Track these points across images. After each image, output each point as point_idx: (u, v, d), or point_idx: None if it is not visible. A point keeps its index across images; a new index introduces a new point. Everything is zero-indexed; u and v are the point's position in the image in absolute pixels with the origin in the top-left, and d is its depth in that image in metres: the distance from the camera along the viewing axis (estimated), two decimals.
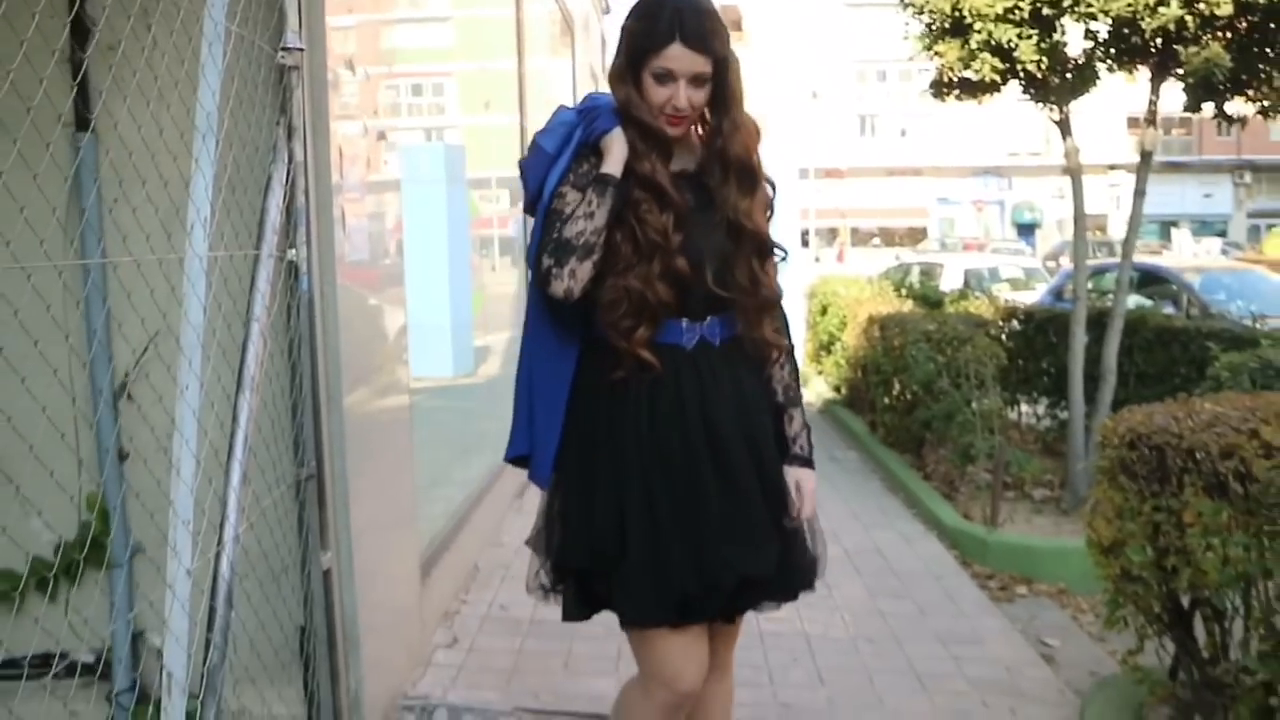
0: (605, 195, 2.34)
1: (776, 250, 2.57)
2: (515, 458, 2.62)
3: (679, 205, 2.40)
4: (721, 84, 2.39)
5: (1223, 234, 48.14)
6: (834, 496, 7.30)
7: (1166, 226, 47.33)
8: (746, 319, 2.50)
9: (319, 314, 3.10)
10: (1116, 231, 46.73)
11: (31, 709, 2.95)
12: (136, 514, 3.14)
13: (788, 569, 2.53)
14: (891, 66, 48.36)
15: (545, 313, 2.48)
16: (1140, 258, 20.19)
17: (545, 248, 2.37)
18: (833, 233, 52.69)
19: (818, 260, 43.36)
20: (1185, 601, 3.38)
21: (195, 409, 2.38)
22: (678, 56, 2.32)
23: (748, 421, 2.49)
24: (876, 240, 52.63)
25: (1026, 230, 50.58)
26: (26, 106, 2.08)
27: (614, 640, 4.33)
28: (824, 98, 50.99)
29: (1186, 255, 29.51)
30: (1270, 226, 37.71)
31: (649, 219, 2.38)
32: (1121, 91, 8.20)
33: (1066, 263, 18.11)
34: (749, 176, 2.48)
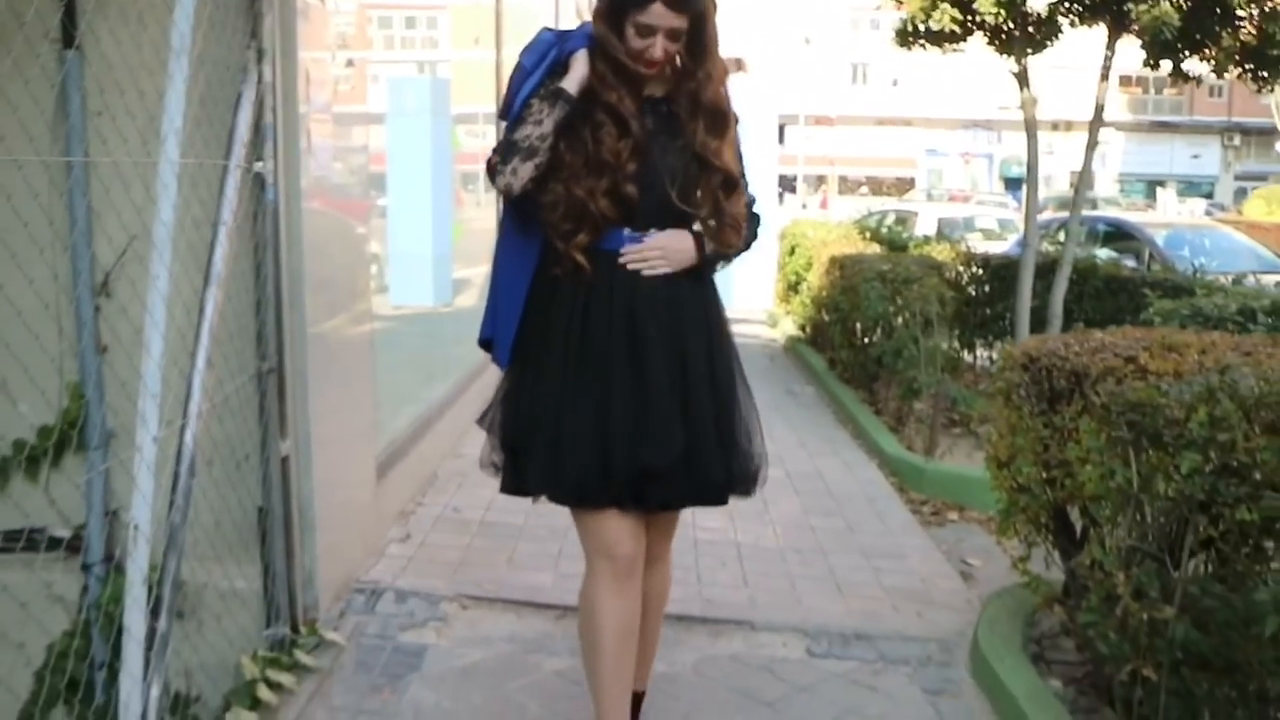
0: (555, 106, 2.63)
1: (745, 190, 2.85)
2: (482, 341, 2.91)
3: (638, 135, 2.67)
4: (698, 35, 2.66)
5: (1209, 195, 48.41)
6: (785, 427, 7.64)
7: (1153, 186, 47.60)
8: (711, 234, 2.78)
9: (283, 222, 3.40)
10: (1101, 188, 47.01)
11: (11, 577, 3.27)
12: (113, 403, 3.44)
13: (702, 469, 2.75)
14: (884, 15, 48.23)
15: (511, 210, 2.78)
16: (1113, 212, 20.46)
17: (497, 147, 2.68)
18: (821, 180, 52.80)
19: (804, 207, 43.52)
20: (1072, 511, 3.72)
21: (164, 296, 2.67)
22: (659, 14, 2.58)
23: (677, 329, 2.75)
24: (864, 189, 52.75)
25: (1014, 184, 50.73)
26: (20, 23, 2.36)
27: (556, 540, 4.71)
28: (816, 44, 50.90)
29: (1170, 215, 29.80)
30: (1255, 188, 37.88)
31: (606, 140, 2.65)
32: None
33: (1051, 214, 18.40)
34: (721, 120, 2.74)
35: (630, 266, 2.70)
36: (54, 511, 3.41)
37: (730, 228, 2.79)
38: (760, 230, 2.97)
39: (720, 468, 2.79)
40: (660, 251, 2.72)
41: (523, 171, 2.64)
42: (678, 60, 2.72)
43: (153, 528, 2.68)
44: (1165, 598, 2.86)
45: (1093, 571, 3.10)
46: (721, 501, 2.89)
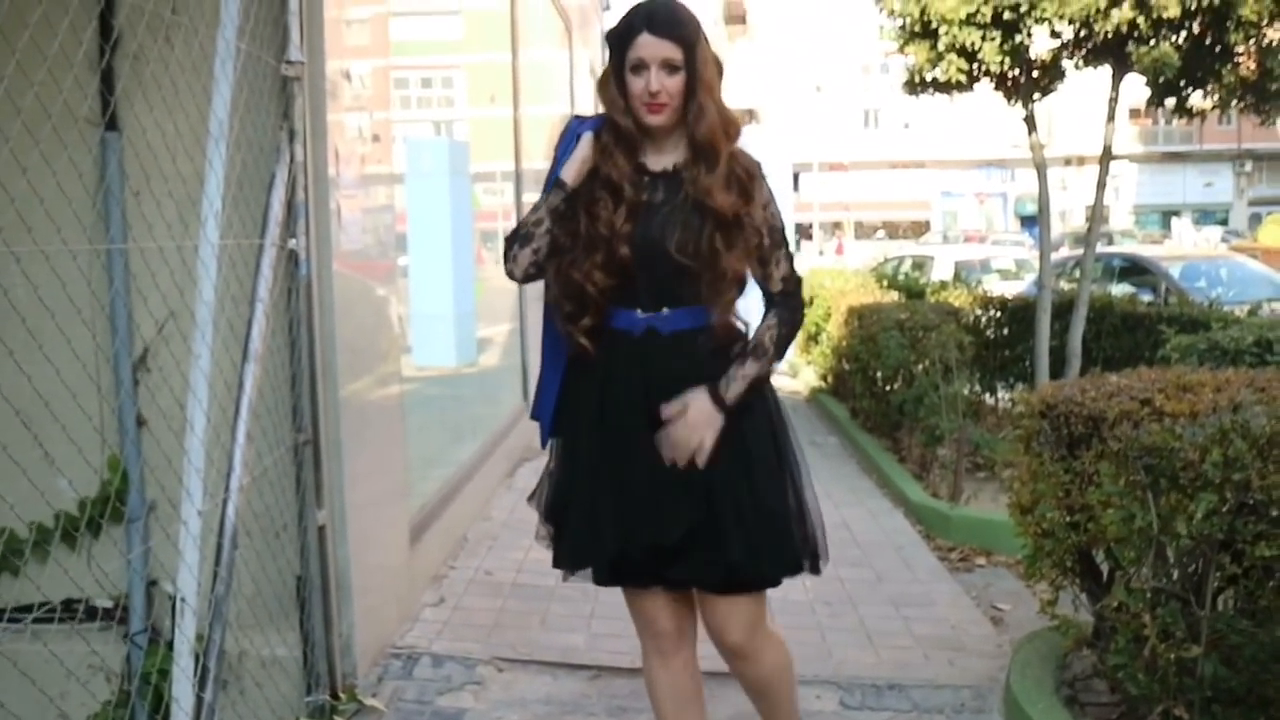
0: (550, 192, 2.69)
1: (757, 232, 2.67)
2: (531, 418, 2.91)
3: (631, 199, 2.64)
4: (691, 70, 2.61)
5: (1224, 222, 48.42)
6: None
7: (1168, 216, 47.62)
8: (709, 294, 2.63)
9: (316, 297, 3.50)
10: (1117, 220, 47.07)
11: (58, 648, 3.35)
12: (152, 475, 3.54)
13: (718, 548, 2.63)
14: (894, 60, 48.62)
15: (546, 293, 2.80)
16: (1128, 248, 20.52)
17: (509, 233, 2.73)
18: (836, 226, 53.00)
19: (821, 254, 43.67)
20: (1097, 554, 3.76)
21: (206, 375, 2.78)
22: (647, 44, 2.57)
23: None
24: (881, 233, 52.89)
25: (1030, 222, 50.81)
26: (63, 104, 2.48)
27: (588, 601, 4.76)
28: (828, 91, 51.29)
29: (1187, 244, 29.80)
30: (1270, 214, 37.88)
31: (601, 214, 2.63)
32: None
33: (1065, 252, 18.45)
34: (711, 157, 2.62)
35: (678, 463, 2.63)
36: (95, 582, 3.50)
37: (730, 283, 2.65)
38: (799, 291, 2.80)
39: (739, 546, 2.64)
40: (684, 437, 2.61)
41: (521, 258, 2.68)
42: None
43: (197, 599, 2.76)
44: (1192, 636, 2.90)
45: (1119, 613, 3.15)
46: (766, 583, 2.78)
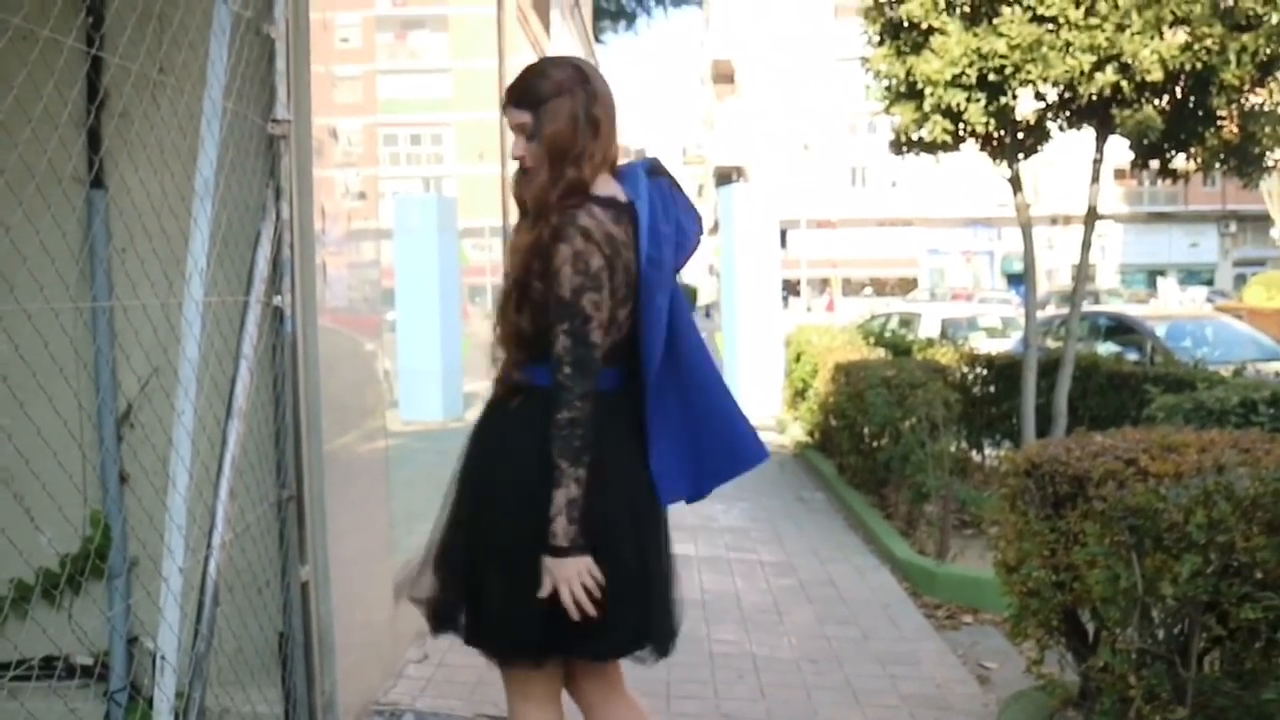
0: None
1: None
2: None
3: (508, 271, 2.62)
4: (537, 132, 2.54)
5: (1210, 282, 48.85)
6: (797, 534, 7.69)
7: (1154, 275, 48.06)
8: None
9: (300, 354, 3.50)
10: (1103, 279, 47.39)
11: (37, 706, 3.32)
12: (134, 531, 3.52)
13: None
14: (881, 119, 49.10)
15: None
16: (1114, 307, 20.65)
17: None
18: (824, 283, 53.28)
19: (809, 309, 43.84)
20: (1083, 613, 3.76)
21: (190, 431, 2.77)
22: (508, 115, 2.59)
23: (471, 460, 2.72)
24: (868, 290, 53.23)
25: (1016, 280, 51.17)
26: (29, 168, 2.49)
27: None
28: (815, 149, 51.77)
29: (1172, 304, 30.04)
30: (1255, 274, 38.20)
31: None
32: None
33: (1051, 310, 18.57)
34: (534, 217, 2.55)
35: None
36: (75, 638, 3.47)
37: (510, 342, 2.59)
38: (573, 375, 2.44)
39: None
40: (566, 601, 2.44)
41: None
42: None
43: (178, 656, 2.74)
44: (1177, 698, 2.90)
45: (1105, 674, 3.14)
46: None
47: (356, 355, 4.34)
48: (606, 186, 2.57)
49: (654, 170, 2.68)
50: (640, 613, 2.61)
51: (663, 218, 2.60)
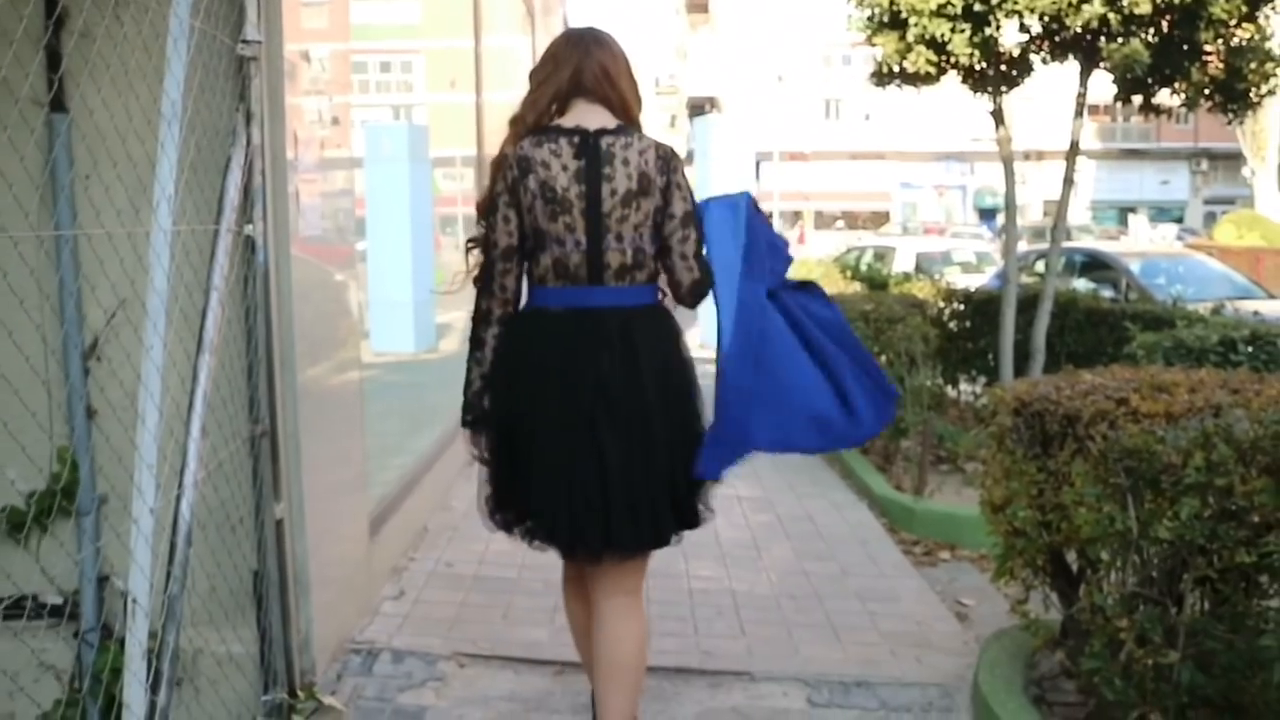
0: None
1: None
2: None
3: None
4: None
5: (1180, 220, 48.98)
6: (773, 469, 7.63)
7: (1125, 212, 48.12)
8: None
9: (273, 285, 3.39)
10: (1074, 216, 47.42)
11: (6, 646, 3.24)
12: (103, 467, 3.42)
13: None
14: (856, 51, 48.70)
15: None
16: (1087, 243, 20.65)
17: None
18: (797, 215, 53.08)
19: None
20: (1068, 554, 3.72)
21: (159, 366, 2.66)
22: None
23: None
24: (840, 223, 53.05)
25: (988, 215, 51.14)
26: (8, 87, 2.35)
27: (551, 594, 4.68)
28: (789, 81, 51.31)
29: (1143, 241, 30.06)
30: (1225, 212, 38.33)
31: None
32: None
33: (1024, 246, 18.51)
34: None
35: None
36: (45, 578, 3.38)
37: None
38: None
39: None
40: None
41: None
42: None
43: (149, 598, 2.65)
44: (1169, 642, 2.86)
45: (1093, 616, 3.10)
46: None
47: (330, 286, 4.23)
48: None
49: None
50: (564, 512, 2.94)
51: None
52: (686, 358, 3.13)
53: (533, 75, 3.09)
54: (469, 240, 3.11)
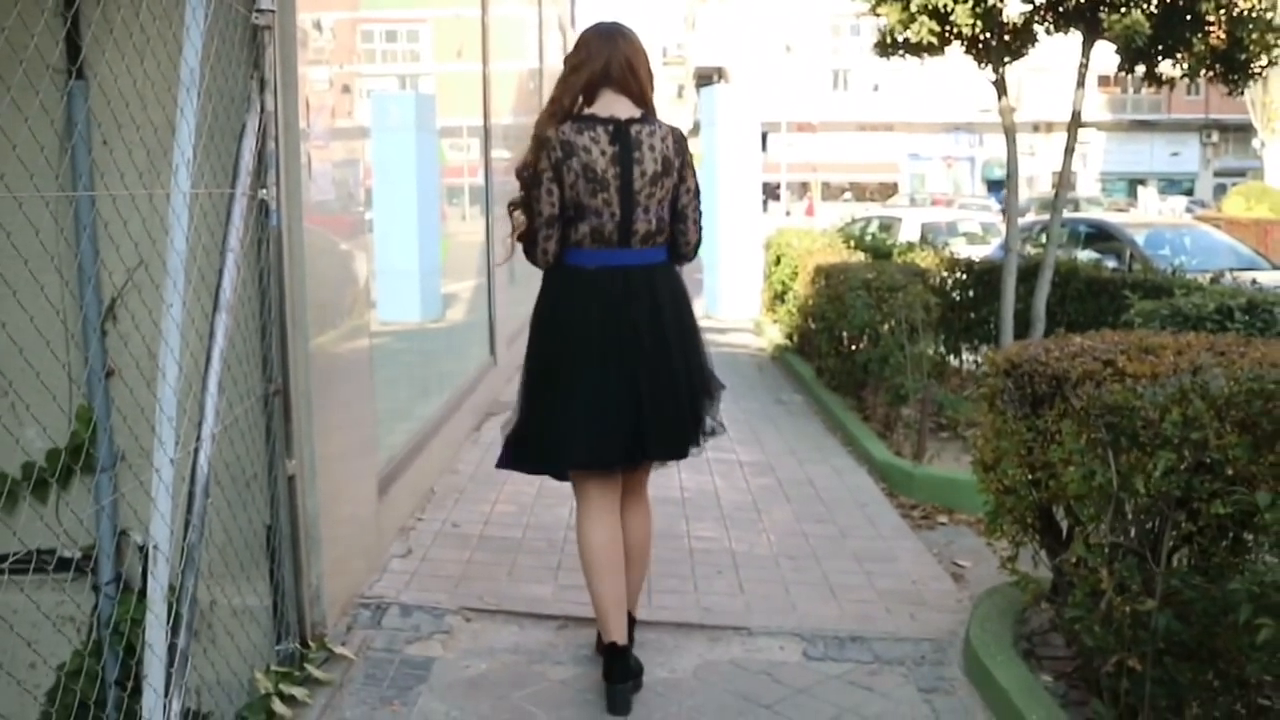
0: None
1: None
2: None
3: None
4: None
5: (1189, 192, 48.86)
6: (775, 436, 7.76)
7: (1134, 184, 47.96)
8: None
9: (286, 247, 3.50)
10: (1083, 188, 47.35)
11: (21, 599, 3.35)
12: (120, 425, 3.53)
13: None
14: (864, 21, 48.50)
15: None
16: (1095, 214, 20.66)
17: None
18: (804, 186, 53.04)
19: (788, 214, 43.70)
20: (1057, 511, 3.84)
21: (178, 323, 2.77)
22: None
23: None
24: (848, 195, 52.98)
25: (997, 186, 51.04)
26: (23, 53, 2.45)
27: (554, 553, 4.82)
28: (797, 52, 51.17)
29: (1152, 212, 30.01)
30: (1235, 184, 38.26)
31: None
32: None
33: (1032, 217, 18.55)
34: None
35: None
36: (63, 533, 3.50)
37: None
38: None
39: None
40: None
41: None
42: None
43: (170, 547, 2.77)
44: (1147, 591, 2.97)
45: (1078, 568, 3.22)
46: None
47: (340, 253, 4.34)
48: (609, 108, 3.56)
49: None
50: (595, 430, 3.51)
51: None
52: (691, 305, 3.80)
53: (567, 60, 3.64)
54: (510, 204, 3.66)
